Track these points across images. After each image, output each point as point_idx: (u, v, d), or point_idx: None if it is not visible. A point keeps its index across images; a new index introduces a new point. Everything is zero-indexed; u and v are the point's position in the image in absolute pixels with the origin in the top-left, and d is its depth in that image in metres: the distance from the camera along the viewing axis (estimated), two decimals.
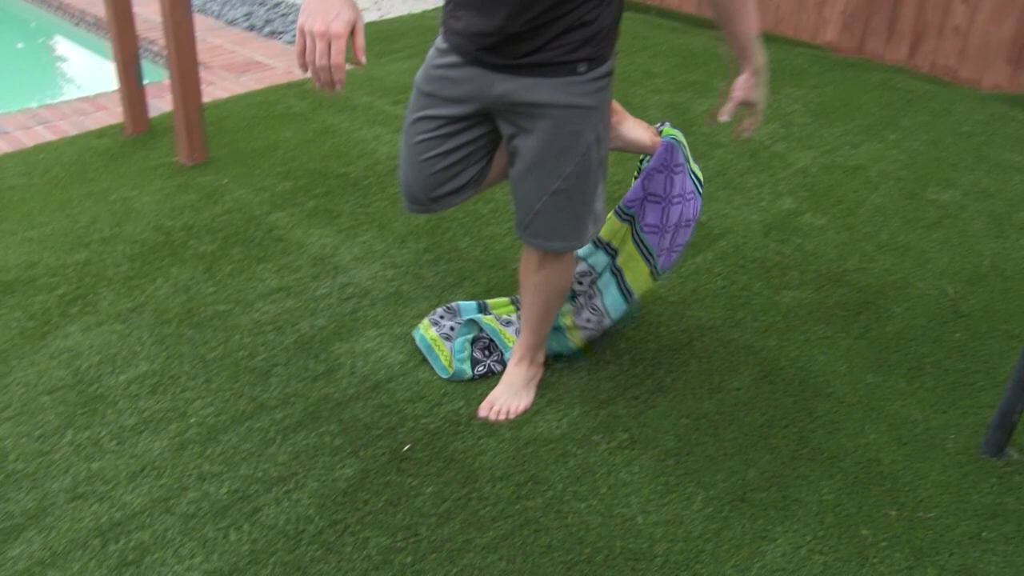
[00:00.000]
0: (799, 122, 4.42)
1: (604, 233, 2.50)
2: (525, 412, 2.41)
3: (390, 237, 3.25)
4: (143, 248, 3.16)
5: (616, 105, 2.33)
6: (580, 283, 2.57)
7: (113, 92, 4.65)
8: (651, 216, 2.41)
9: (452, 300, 2.88)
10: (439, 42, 2.04)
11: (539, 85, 1.91)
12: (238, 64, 5.25)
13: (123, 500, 2.13)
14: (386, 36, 5.75)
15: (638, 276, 2.50)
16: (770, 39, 5.81)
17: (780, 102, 4.67)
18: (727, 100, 2.26)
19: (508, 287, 2.95)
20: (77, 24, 6.56)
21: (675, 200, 2.40)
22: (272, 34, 5.93)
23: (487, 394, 2.45)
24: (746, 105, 2.25)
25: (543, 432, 2.35)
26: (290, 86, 4.81)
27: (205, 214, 3.39)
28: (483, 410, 2.40)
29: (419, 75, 2.10)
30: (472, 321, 2.61)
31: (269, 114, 4.39)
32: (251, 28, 6.07)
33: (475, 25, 1.90)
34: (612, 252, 2.51)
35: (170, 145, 3.97)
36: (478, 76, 1.96)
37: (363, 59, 1.59)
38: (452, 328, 2.66)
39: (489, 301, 2.77)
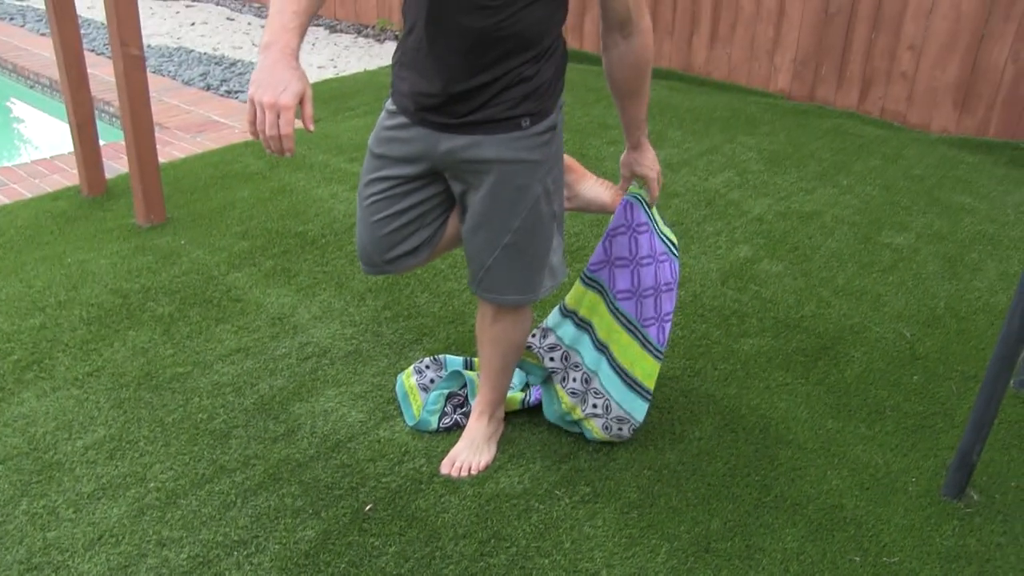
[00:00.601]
0: (754, 169, 4.49)
1: (569, 300, 2.44)
2: (487, 468, 2.40)
3: (348, 295, 3.25)
4: (100, 311, 3.12)
5: (574, 163, 2.36)
6: (552, 359, 2.49)
7: (69, 154, 4.63)
8: (621, 281, 2.35)
9: (413, 357, 2.87)
10: (388, 104, 2.08)
11: (484, 142, 1.94)
12: (194, 124, 5.25)
13: (80, 569, 2.09)
14: (341, 93, 5.78)
15: (636, 360, 2.40)
16: (724, 88, 5.91)
17: (735, 150, 4.74)
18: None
19: (467, 342, 2.95)
20: (32, 86, 6.55)
21: (644, 261, 2.34)
22: (228, 93, 5.95)
23: (448, 451, 2.44)
24: (640, 178, 2.31)
25: (505, 488, 2.34)
26: (247, 145, 4.81)
27: (163, 275, 3.36)
28: (445, 467, 2.39)
29: (371, 137, 2.13)
30: (457, 373, 2.60)
31: (226, 173, 4.39)
32: (207, 88, 6.08)
33: (418, 86, 1.95)
34: (584, 324, 2.44)
35: (127, 206, 3.95)
36: (425, 136, 1.99)
37: (311, 127, 1.62)
38: (432, 380, 2.66)
39: (476, 360, 2.75)
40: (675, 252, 2.41)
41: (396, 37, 7.67)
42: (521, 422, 2.58)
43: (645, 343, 2.39)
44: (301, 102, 1.62)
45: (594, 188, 2.37)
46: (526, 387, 2.63)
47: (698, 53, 6.10)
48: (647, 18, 2.00)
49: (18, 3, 8.94)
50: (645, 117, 2.18)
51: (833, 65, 5.50)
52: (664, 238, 2.41)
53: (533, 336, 2.49)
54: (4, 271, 3.40)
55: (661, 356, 2.40)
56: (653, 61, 2.11)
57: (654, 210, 2.39)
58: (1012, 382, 2.81)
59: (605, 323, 2.41)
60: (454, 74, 1.88)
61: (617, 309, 2.38)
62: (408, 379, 2.68)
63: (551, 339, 2.48)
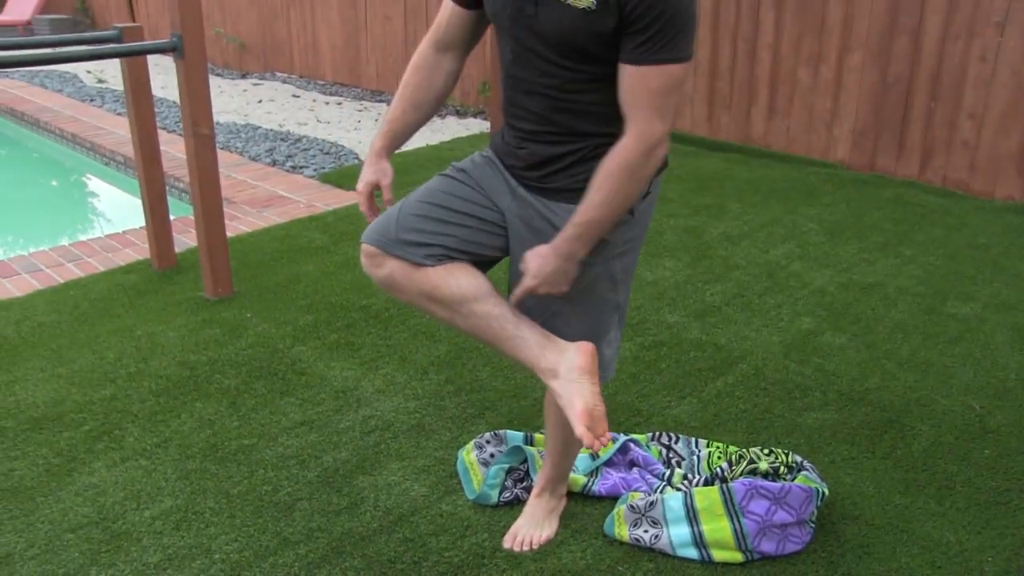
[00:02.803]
0: (814, 241, 4.47)
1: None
2: (549, 542, 2.38)
3: (411, 369, 3.28)
4: (168, 383, 3.19)
5: (593, 363, 1.98)
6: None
7: (140, 228, 4.77)
8: (757, 507, 2.34)
9: (475, 431, 2.88)
10: (487, 149, 2.08)
11: (555, 206, 1.94)
12: (261, 199, 5.39)
13: None
14: (404, 168, 5.90)
15: (718, 530, 2.33)
16: (783, 159, 5.92)
17: (795, 221, 4.73)
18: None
19: (529, 416, 2.95)
20: (107, 163, 6.78)
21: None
22: (294, 168, 6.10)
23: (510, 525, 2.43)
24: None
25: (567, 563, 2.33)
26: (312, 219, 4.92)
27: (229, 348, 3.44)
28: (507, 541, 2.38)
29: (458, 162, 2.09)
30: (518, 448, 2.62)
31: (291, 247, 4.48)
32: (273, 163, 6.25)
33: (502, 148, 2.01)
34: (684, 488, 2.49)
35: (196, 279, 4.05)
36: (506, 180, 2.00)
37: (389, 207, 2.02)
38: (492, 455, 2.67)
39: (537, 436, 2.77)
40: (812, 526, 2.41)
41: (457, 112, 7.82)
42: (583, 497, 2.57)
43: (741, 539, 2.33)
44: (381, 188, 2.09)
45: (581, 387, 1.97)
46: (593, 472, 2.62)
47: (756, 125, 6.13)
48: (648, 129, 1.75)
49: (98, 85, 9.30)
50: (580, 222, 1.84)
51: (892, 135, 5.49)
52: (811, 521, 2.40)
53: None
54: (78, 343, 3.50)
55: (748, 555, 2.34)
56: (626, 178, 1.81)
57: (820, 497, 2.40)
58: None
59: (709, 495, 2.40)
60: (528, 149, 1.92)
61: (733, 505, 2.36)
62: (468, 455, 2.69)
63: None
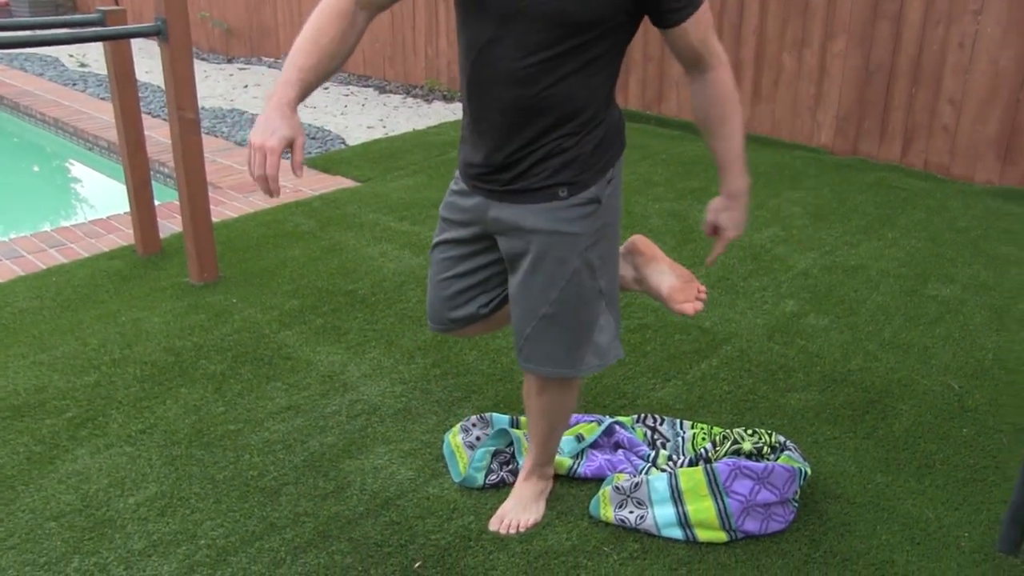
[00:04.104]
0: (798, 224, 4.49)
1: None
2: (535, 525, 2.40)
3: (398, 353, 3.29)
4: (153, 369, 3.19)
5: (647, 245, 2.34)
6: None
7: (125, 214, 4.76)
8: (740, 486, 2.36)
9: (461, 415, 2.90)
10: (456, 172, 2.16)
11: (524, 211, 1.98)
12: (247, 184, 5.38)
13: None
14: (391, 153, 5.89)
15: (702, 510, 2.35)
16: (767, 143, 5.94)
17: (779, 205, 4.76)
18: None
19: (515, 400, 2.97)
20: (91, 148, 6.74)
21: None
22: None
23: (496, 508, 2.45)
24: (718, 229, 2.18)
25: (554, 545, 2.35)
26: (298, 204, 4.91)
27: (215, 334, 3.44)
28: (494, 524, 2.40)
29: (441, 204, 2.21)
30: (503, 431, 2.63)
31: (277, 232, 4.48)
32: None
33: (469, 156, 2.05)
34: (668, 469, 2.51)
35: (181, 265, 4.05)
36: (479, 202, 2.06)
37: (298, 172, 1.73)
38: (478, 438, 2.69)
39: (523, 418, 2.78)
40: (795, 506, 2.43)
41: (444, 97, 7.80)
42: (569, 479, 2.59)
43: (725, 518, 2.35)
44: (292, 149, 1.75)
45: (658, 275, 2.32)
46: (579, 455, 2.63)
47: (742, 110, 6.14)
48: (719, 51, 1.96)
49: (81, 69, 9.23)
50: (735, 159, 2.05)
51: (875, 120, 5.52)
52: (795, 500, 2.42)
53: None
54: (61, 329, 3.49)
55: (731, 535, 2.35)
56: (736, 96, 2.02)
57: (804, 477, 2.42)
58: None
59: (693, 475, 2.41)
60: (494, 144, 1.94)
61: (717, 486, 2.37)
62: (454, 438, 2.71)
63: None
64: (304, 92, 1.80)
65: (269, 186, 1.73)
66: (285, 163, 5.81)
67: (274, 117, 1.74)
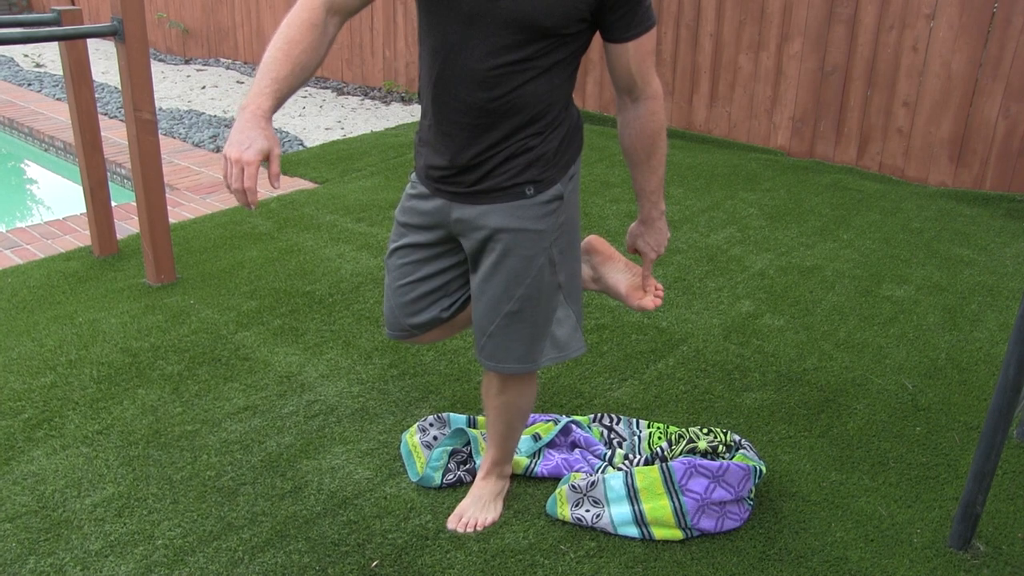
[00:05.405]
0: (755, 225, 4.54)
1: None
2: (493, 524, 2.41)
3: (355, 353, 3.29)
4: (110, 370, 3.16)
5: (603, 245, 2.37)
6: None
7: (81, 215, 4.71)
8: (696, 485, 2.38)
9: (419, 414, 2.90)
10: (412, 176, 2.15)
11: (490, 211, 2.00)
12: (204, 185, 5.34)
13: None
14: (348, 155, 5.88)
15: (658, 508, 2.37)
16: (724, 145, 5.99)
17: (736, 206, 4.80)
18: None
19: (472, 399, 2.98)
20: (46, 149, 6.66)
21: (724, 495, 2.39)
22: None
23: (454, 507, 2.46)
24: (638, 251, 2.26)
25: (510, 543, 2.36)
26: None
27: (172, 334, 3.41)
28: (451, 522, 2.41)
29: (397, 208, 2.21)
30: (460, 431, 2.64)
31: (235, 234, 4.45)
32: (217, 150, 6.18)
33: (431, 159, 2.04)
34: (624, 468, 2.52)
35: (138, 266, 4.01)
36: (441, 206, 2.07)
37: (275, 184, 1.71)
38: (435, 438, 2.69)
39: (480, 418, 2.79)
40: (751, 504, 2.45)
41: (402, 99, 7.80)
42: (525, 479, 2.61)
43: (680, 517, 2.37)
44: (269, 160, 1.72)
45: (616, 274, 2.36)
46: (536, 454, 2.65)
47: (698, 112, 6.20)
48: (655, 83, 1.98)
49: (36, 69, 9.11)
50: (655, 189, 2.11)
51: (831, 122, 5.59)
52: (750, 498, 2.44)
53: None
54: (16, 330, 3.45)
55: (687, 533, 2.38)
56: (665, 131, 2.05)
57: (759, 474, 2.43)
58: (1015, 432, 2.83)
59: (648, 473, 2.43)
60: (460, 146, 1.95)
61: (673, 484, 2.39)
62: (412, 437, 2.71)
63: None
64: (278, 102, 1.77)
65: (247, 199, 1.70)
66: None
67: (249, 129, 1.71)
